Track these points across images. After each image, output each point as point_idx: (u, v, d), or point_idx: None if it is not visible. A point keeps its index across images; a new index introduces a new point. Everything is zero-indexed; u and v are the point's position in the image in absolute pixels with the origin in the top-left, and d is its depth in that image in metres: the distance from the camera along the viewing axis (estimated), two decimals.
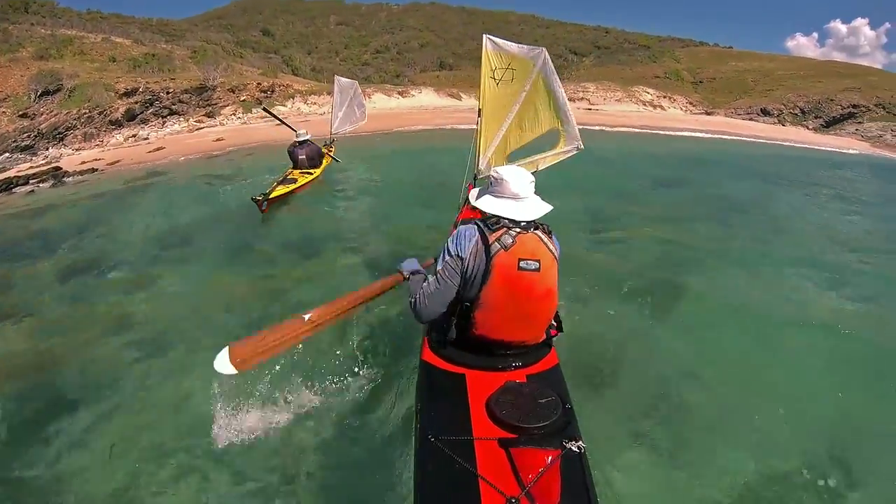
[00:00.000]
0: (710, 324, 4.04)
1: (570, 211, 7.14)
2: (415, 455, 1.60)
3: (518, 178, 1.91)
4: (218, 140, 17.03)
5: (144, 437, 2.72)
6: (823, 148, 24.77)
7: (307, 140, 8.20)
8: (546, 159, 4.56)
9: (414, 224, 6.76)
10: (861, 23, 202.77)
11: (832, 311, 4.59)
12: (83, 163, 14.00)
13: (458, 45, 57.38)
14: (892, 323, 4.45)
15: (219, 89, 20.97)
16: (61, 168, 13.20)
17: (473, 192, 2.13)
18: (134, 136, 17.86)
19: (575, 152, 4.40)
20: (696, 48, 58.36)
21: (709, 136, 25.06)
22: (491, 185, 1.99)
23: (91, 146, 17.78)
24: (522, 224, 1.85)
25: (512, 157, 4.65)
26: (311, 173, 8.02)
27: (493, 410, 1.63)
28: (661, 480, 2.43)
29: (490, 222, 1.87)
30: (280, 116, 8.94)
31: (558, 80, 4.23)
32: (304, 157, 8.07)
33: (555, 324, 2.07)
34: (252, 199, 6.72)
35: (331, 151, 9.49)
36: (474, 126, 4.62)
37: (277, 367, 2.91)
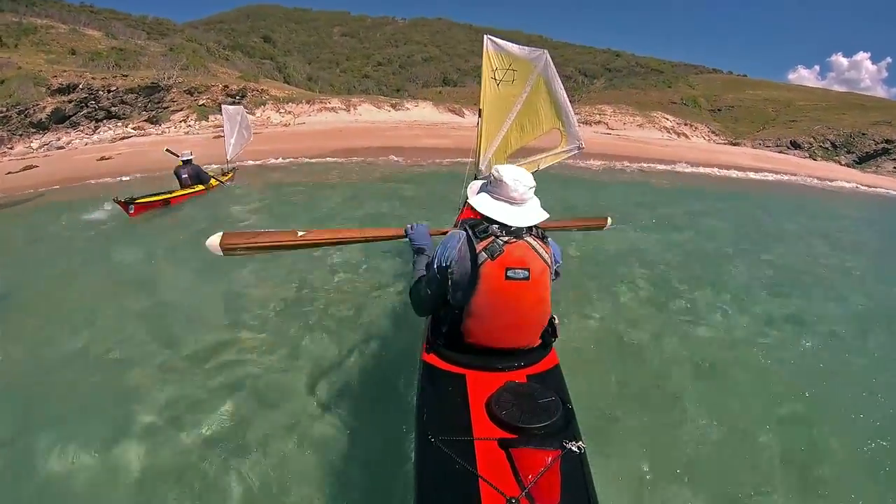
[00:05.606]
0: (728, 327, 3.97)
1: None
2: (415, 455, 1.63)
3: (519, 180, 1.83)
4: (103, 159, 12.87)
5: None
6: None
7: (190, 160, 8.56)
8: (547, 159, 4.67)
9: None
10: (863, 57, 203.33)
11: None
12: None
13: (462, 61, 55.25)
14: None
15: (174, 90, 17.80)
16: None
17: (474, 186, 2.11)
18: (47, 144, 14.54)
19: (576, 151, 4.56)
20: (710, 75, 56.20)
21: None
22: (490, 184, 1.91)
23: None
24: (513, 229, 1.78)
25: (513, 158, 4.64)
26: (193, 188, 8.36)
27: (494, 410, 1.63)
28: (660, 481, 2.35)
29: (478, 230, 1.79)
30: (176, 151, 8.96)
31: (560, 81, 4.31)
32: (186, 175, 8.32)
33: (550, 329, 2.03)
34: (115, 199, 6.65)
35: (229, 177, 9.90)
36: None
37: (276, 366, 2.97)
